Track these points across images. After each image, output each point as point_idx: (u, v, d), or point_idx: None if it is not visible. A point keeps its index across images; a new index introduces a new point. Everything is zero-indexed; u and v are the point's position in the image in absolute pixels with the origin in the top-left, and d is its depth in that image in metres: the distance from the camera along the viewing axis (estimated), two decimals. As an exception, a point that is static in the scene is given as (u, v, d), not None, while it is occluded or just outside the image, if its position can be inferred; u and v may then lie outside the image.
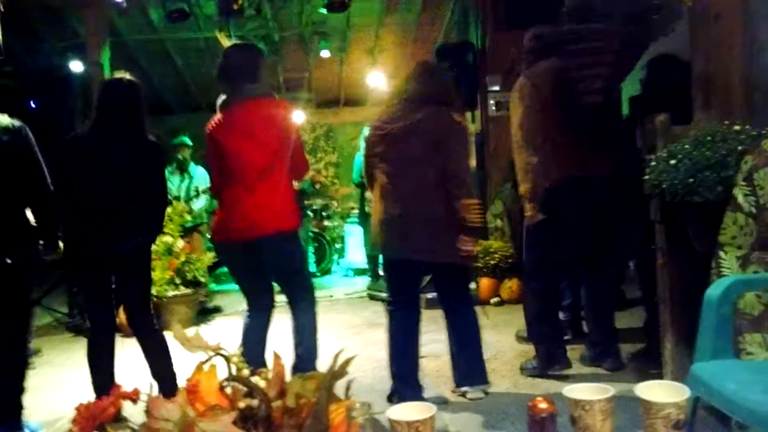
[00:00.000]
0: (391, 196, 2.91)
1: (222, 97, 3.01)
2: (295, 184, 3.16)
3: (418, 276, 3.14)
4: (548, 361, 3.30)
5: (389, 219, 2.91)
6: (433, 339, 3.22)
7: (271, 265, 3.00)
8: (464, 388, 3.06)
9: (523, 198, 3.28)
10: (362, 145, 6.61)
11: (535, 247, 3.39)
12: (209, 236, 5.50)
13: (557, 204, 3.20)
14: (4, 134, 2.81)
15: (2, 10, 3.59)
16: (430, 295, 4.13)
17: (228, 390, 1.10)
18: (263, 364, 1.18)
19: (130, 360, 3.31)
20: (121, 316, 3.22)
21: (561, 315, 4.00)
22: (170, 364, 2.99)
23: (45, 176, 2.92)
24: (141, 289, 3.07)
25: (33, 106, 7.98)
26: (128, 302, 3.08)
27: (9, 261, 2.80)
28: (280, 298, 3.18)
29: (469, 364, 3.07)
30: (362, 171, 3.18)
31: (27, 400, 3.00)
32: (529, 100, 3.20)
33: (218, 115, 2.97)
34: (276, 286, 3.12)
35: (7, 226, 2.82)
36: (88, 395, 2.77)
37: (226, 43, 6.45)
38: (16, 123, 2.88)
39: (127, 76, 3.03)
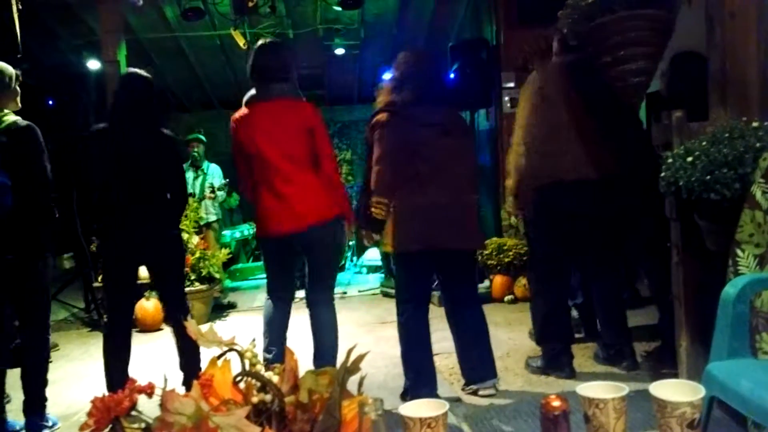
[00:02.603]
0: (421, 189, 2.88)
1: (251, 92, 3.00)
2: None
3: (432, 271, 3.12)
4: (550, 364, 3.29)
5: (417, 211, 2.87)
6: (444, 337, 3.22)
7: (308, 255, 3.03)
8: (475, 386, 3.05)
9: (507, 192, 3.46)
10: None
11: (533, 244, 3.49)
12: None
13: (552, 204, 3.20)
14: (3, 135, 2.74)
15: (20, 8, 3.62)
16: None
17: (241, 384, 1.10)
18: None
19: (142, 355, 3.34)
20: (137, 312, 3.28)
21: (573, 313, 3.98)
22: (199, 358, 3.02)
23: (45, 179, 2.86)
24: (177, 280, 3.19)
25: (50, 103, 8.06)
26: (165, 293, 3.19)
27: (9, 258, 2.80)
28: (299, 294, 3.20)
29: (480, 360, 3.06)
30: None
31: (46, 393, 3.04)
32: (532, 99, 3.24)
33: (243, 110, 2.97)
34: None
35: (12, 226, 2.79)
36: (105, 389, 2.80)
37: (241, 41, 6.48)
38: (22, 123, 2.81)
39: (141, 71, 3.07)
